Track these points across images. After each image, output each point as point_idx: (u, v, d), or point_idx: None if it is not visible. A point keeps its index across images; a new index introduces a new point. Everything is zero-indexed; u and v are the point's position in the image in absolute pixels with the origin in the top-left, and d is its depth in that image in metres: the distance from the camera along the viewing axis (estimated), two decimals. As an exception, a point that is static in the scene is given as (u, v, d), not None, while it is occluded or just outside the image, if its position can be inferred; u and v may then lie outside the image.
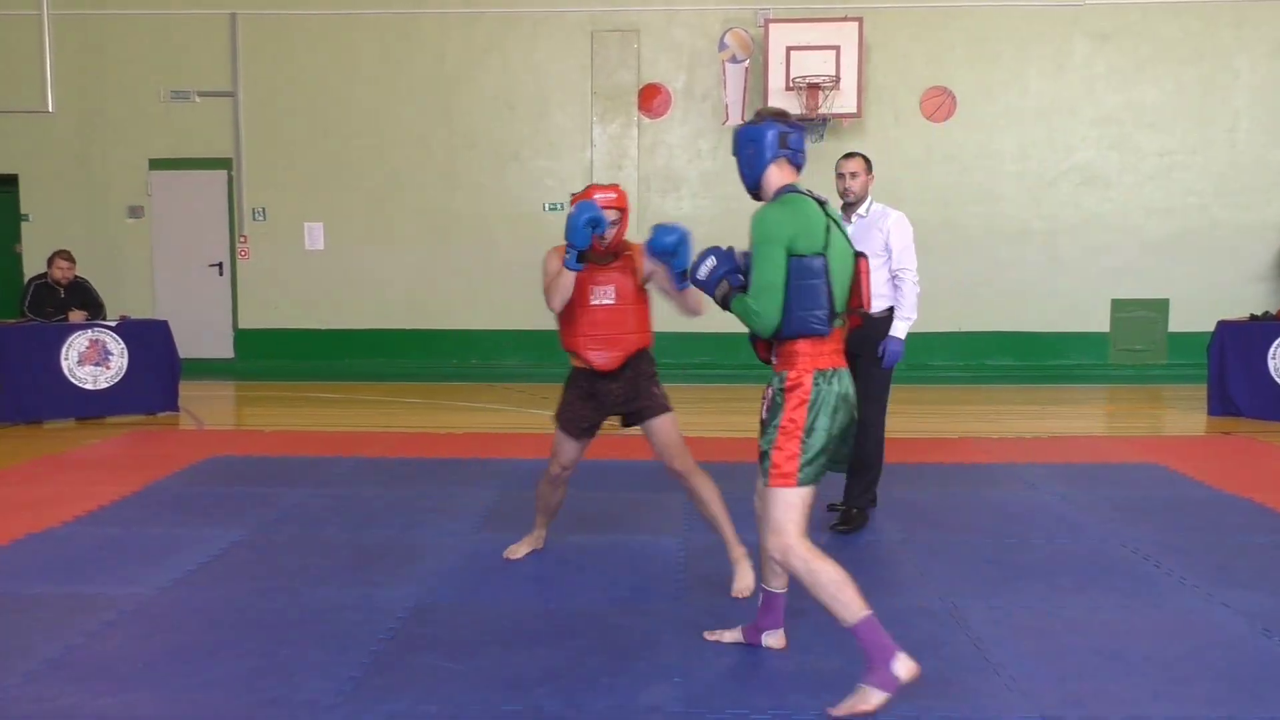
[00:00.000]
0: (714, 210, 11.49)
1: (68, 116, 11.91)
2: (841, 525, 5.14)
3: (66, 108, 11.85)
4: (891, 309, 5.07)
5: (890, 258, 5.04)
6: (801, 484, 3.12)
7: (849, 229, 4.95)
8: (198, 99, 12.02)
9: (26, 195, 12.16)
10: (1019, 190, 11.68)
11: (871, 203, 5.17)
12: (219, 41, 11.97)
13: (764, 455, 3.18)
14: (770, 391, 3.23)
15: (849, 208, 5.15)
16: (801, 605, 3.54)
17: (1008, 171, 11.62)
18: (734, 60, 11.68)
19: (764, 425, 3.22)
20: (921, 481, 6.11)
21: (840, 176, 5.14)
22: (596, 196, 4.08)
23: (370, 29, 11.91)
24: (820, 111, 10.94)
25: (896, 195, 11.15)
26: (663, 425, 4.25)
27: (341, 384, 10.81)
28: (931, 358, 11.36)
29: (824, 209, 3.23)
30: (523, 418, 8.82)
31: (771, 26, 11.13)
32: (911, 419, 8.22)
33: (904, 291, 5.04)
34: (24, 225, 12.17)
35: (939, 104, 11.68)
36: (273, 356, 12.11)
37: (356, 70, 11.93)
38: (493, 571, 4.49)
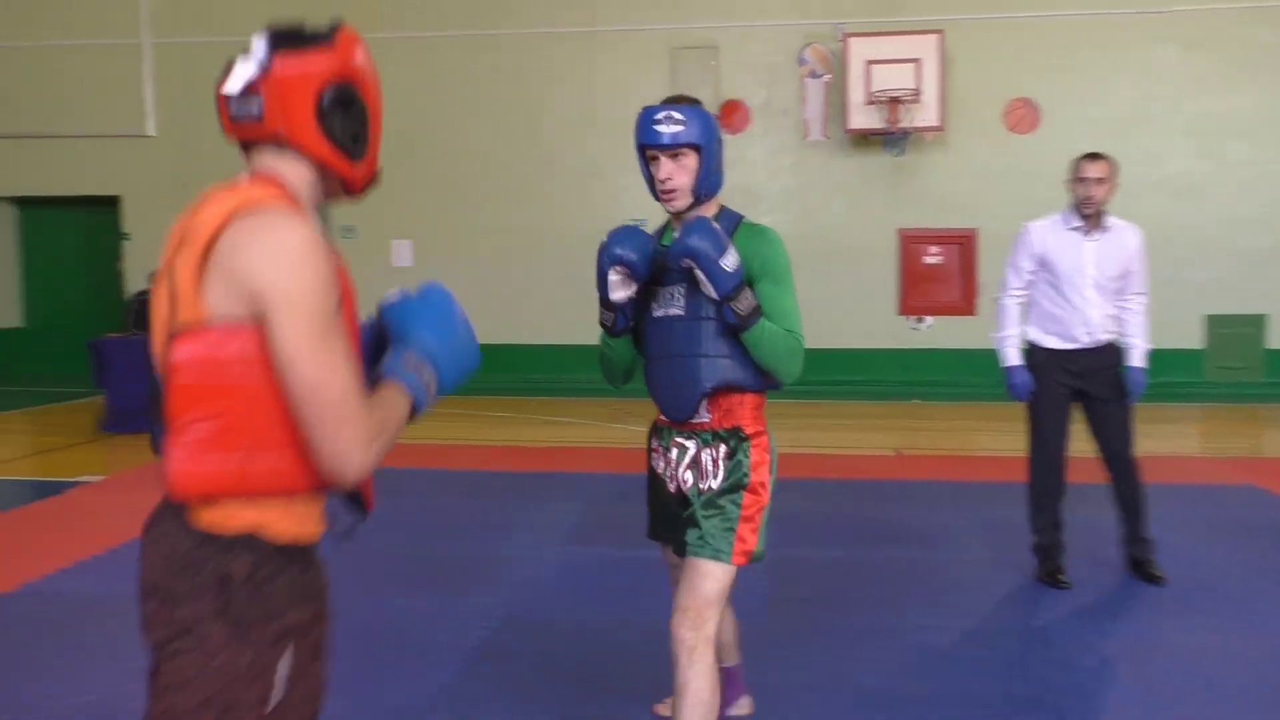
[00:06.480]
0: (796, 227, 11.41)
1: (169, 140, 12.35)
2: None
3: (169, 132, 12.28)
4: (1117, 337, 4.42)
5: (1129, 280, 4.37)
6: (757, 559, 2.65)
7: (1090, 246, 4.28)
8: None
9: (129, 215, 12.68)
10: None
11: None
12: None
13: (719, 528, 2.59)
14: (720, 450, 2.63)
15: (1088, 219, 4.26)
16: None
17: (1095, 183, 11.34)
18: (814, 75, 11.67)
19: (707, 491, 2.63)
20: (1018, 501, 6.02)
21: (1082, 182, 4.24)
22: None
23: (451, 49, 12.16)
24: (901, 125, 10.88)
25: (981, 208, 11.19)
26: None
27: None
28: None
29: None
30: (608, 432, 8.90)
31: (850, 41, 11.10)
32: (1013, 437, 8.11)
33: (1143, 318, 4.46)
34: (125, 244, 12.70)
35: (1022, 115, 11.53)
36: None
37: (435, 91, 12.18)
38: (579, 585, 4.57)
